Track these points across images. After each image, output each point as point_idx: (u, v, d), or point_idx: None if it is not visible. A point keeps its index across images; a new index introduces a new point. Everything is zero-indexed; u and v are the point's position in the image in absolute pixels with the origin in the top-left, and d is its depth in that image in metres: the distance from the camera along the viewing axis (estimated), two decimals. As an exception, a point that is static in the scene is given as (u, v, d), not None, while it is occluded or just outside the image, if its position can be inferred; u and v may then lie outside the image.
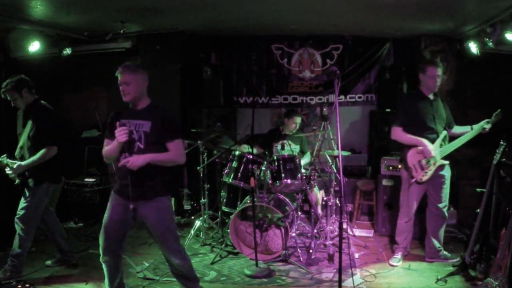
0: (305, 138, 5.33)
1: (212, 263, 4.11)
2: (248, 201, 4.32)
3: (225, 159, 4.79)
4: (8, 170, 3.60)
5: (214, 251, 4.41)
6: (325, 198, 4.51)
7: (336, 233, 4.28)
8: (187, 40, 5.74)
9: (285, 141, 4.91)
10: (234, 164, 4.50)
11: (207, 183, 4.93)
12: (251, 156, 4.33)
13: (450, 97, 5.54)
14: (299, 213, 4.76)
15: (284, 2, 4.25)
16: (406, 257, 4.13)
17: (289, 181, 4.32)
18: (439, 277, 3.60)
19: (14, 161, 3.57)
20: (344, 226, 4.42)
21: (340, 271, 2.82)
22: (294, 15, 4.81)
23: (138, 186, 2.79)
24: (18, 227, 3.60)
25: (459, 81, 5.62)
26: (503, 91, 5.43)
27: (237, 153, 4.58)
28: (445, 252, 4.11)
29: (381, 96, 5.98)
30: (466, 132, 3.91)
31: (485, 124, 3.81)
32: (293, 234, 4.42)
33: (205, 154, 4.88)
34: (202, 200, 4.89)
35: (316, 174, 4.69)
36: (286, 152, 4.58)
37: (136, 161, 2.71)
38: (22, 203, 3.63)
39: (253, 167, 4.15)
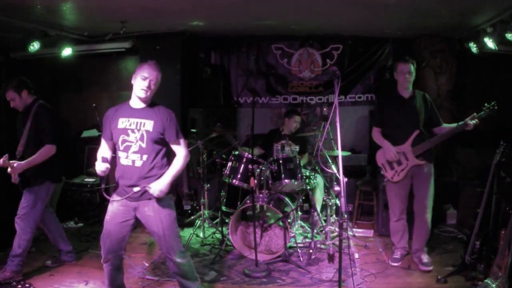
0: (305, 139, 5.33)
1: (212, 263, 4.11)
2: (248, 201, 4.32)
3: (225, 159, 4.79)
4: (9, 170, 3.60)
5: (214, 251, 4.41)
6: (325, 198, 4.52)
7: (336, 233, 4.28)
8: (187, 40, 5.74)
9: (285, 142, 4.91)
10: (234, 164, 4.51)
11: (207, 183, 4.93)
12: (251, 156, 4.33)
13: (450, 97, 5.55)
14: (299, 213, 4.76)
15: (284, 2, 4.25)
16: (406, 257, 4.13)
17: (289, 181, 4.32)
18: (439, 277, 3.60)
19: (14, 161, 3.57)
20: (344, 226, 4.42)
21: (340, 271, 2.82)
22: (294, 15, 4.81)
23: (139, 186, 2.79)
24: (18, 227, 3.60)
25: (459, 81, 5.62)
26: (503, 91, 5.43)
27: (237, 153, 4.58)
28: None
29: (381, 96, 5.97)
30: (454, 125, 3.75)
31: (469, 120, 3.62)
32: (293, 234, 4.42)
33: (205, 154, 4.88)
34: (202, 200, 4.89)
35: (317, 174, 4.69)
36: (286, 153, 4.58)
37: (162, 190, 2.78)
38: (23, 203, 3.63)
39: (253, 167, 4.15)
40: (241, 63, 6.25)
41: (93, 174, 5.76)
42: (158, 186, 2.77)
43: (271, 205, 4.19)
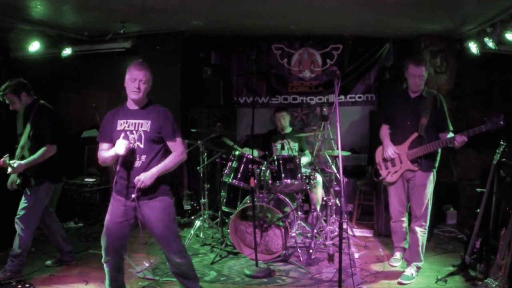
0: (303, 138, 5.34)
1: (212, 263, 4.11)
2: (248, 201, 4.32)
3: (225, 159, 4.79)
4: (9, 170, 3.60)
5: (214, 251, 4.41)
6: (325, 198, 4.52)
7: (336, 233, 4.28)
8: (187, 40, 5.74)
9: (284, 141, 4.92)
10: (234, 164, 4.51)
11: (207, 183, 4.93)
12: (251, 156, 4.33)
13: (450, 97, 5.55)
14: (299, 213, 4.76)
15: (284, 2, 4.25)
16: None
17: (289, 181, 4.32)
18: (439, 277, 3.60)
19: (14, 161, 3.57)
20: (344, 226, 4.42)
21: (340, 271, 2.82)
22: (294, 15, 4.81)
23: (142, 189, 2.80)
24: (18, 227, 3.60)
25: (459, 81, 5.62)
26: (503, 91, 5.44)
27: (237, 153, 4.58)
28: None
29: (381, 96, 5.98)
30: (447, 138, 3.50)
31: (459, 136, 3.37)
32: (293, 234, 4.42)
33: (205, 154, 4.88)
34: (202, 200, 4.89)
35: (317, 174, 4.69)
36: (286, 152, 4.58)
37: (146, 181, 2.75)
38: (23, 203, 3.63)
39: (253, 167, 4.15)
40: (241, 63, 6.24)
41: (93, 174, 5.78)
42: (142, 176, 2.76)
43: (271, 205, 4.19)
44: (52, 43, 5.14)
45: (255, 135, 4.61)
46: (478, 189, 4.12)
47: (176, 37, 5.60)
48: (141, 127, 2.84)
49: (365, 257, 4.28)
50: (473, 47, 4.95)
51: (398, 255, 4.05)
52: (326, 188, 4.91)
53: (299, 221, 4.71)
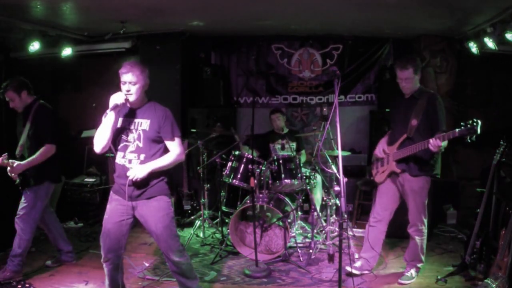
0: (301, 138, 5.35)
1: (212, 263, 4.11)
2: (248, 201, 4.32)
3: (225, 159, 4.79)
4: (9, 170, 3.60)
5: (214, 251, 4.41)
6: (325, 198, 4.52)
7: (336, 233, 4.27)
8: (187, 40, 5.74)
9: (284, 141, 4.92)
10: (234, 164, 4.51)
11: (207, 183, 4.93)
12: (251, 156, 4.33)
13: (450, 97, 5.55)
14: (299, 213, 4.76)
15: (284, 2, 4.25)
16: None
17: (289, 181, 4.32)
18: (439, 277, 3.60)
19: (14, 161, 3.57)
20: (344, 226, 4.42)
21: (340, 271, 2.82)
22: (294, 15, 4.81)
23: (137, 186, 2.79)
24: (18, 227, 3.60)
25: (459, 81, 5.62)
26: (503, 91, 5.44)
27: (237, 153, 4.58)
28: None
29: (381, 96, 5.98)
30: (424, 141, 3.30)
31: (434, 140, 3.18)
32: (293, 234, 4.42)
33: (205, 154, 4.88)
34: (202, 200, 4.89)
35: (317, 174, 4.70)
36: (286, 152, 4.58)
37: (139, 173, 2.72)
38: (23, 203, 3.63)
39: (253, 167, 4.15)
40: (241, 63, 6.25)
41: (93, 174, 5.78)
42: (136, 168, 2.74)
43: (271, 205, 4.19)
44: (52, 43, 5.14)
45: (255, 135, 4.61)
46: (478, 189, 4.12)
47: (176, 37, 5.60)
48: (141, 126, 2.84)
49: (365, 257, 4.28)
50: (473, 47, 4.95)
51: (358, 264, 3.77)
52: (326, 188, 4.91)
53: (299, 221, 4.71)
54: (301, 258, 4.15)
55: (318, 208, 4.76)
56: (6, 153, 3.53)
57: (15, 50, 5.25)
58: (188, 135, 5.20)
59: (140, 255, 4.31)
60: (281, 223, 4.17)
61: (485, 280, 3.18)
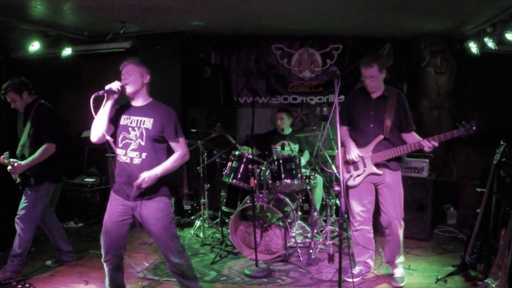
0: (302, 138, 5.35)
1: (212, 263, 4.11)
2: (248, 201, 4.32)
3: (225, 159, 4.79)
4: (9, 169, 3.60)
5: (214, 251, 4.41)
6: (325, 198, 4.52)
7: (336, 233, 4.27)
8: (187, 40, 5.74)
9: (285, 141, 4.92)
10: (234, 164, 4.51)
11: (207, 183, 4.93)
12: (251, 156, 4.33)
13: (450, 97, 5.55)
14: (299, 213, 4.76)
15: (284, 2, 4.25)
16: (406, 257, 4.10)
17: (289, 181, 4.32)
18: (439, 277, 3.60)
19: (15, 160, 3.57)
20: (344, 226, 4.42)
21: (340, 271, 2.82)
22: (294, 15, 4.81)
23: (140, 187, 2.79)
24: (18, 227, 3.60)
25: (459, 81, 5.62)
26: (503, 91, 5.43)
27: (237, 153, 4.58)
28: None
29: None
30: (415, 141, 3.33)
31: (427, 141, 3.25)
32: (293, 234, 4.42)
33: (205, 154, 4.88)
34: (202, 200, 4.89)
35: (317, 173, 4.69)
36: (286, 152, 4.58)
37: (149, 180, 2.74)
38: (23, 203, 3.63)
39: (253, 167, 4.15)
40: (241, 63, 6.25)
41: (93, 174, 5.78)
42: (145, 174, 2.74)
43: (271, 205, 4.19)
44: (52, 43, 5.14)
45: (255, 135, 4.62)
46: (478, 189, 4.12)
47: (176, 37, 5.60)
48: (143, 124, 2.83)
49: (365, 257, 4.27)
50: (473, 47, 4.94)
51: (357, 270, 3.68)
52: (326, 188, 4.91)
53: (299, 221, 4.71)
54: (301, 258, 4.15)
55: (318, 208, 4.76)
56: (7, 152, 3.53)
57: (15, 50, 5.25)
58: (188, 135, 5.20)
59: (140, 255, 4.31)
60: (281, 223, 4.17)
61: (485, 280, 3.18)
